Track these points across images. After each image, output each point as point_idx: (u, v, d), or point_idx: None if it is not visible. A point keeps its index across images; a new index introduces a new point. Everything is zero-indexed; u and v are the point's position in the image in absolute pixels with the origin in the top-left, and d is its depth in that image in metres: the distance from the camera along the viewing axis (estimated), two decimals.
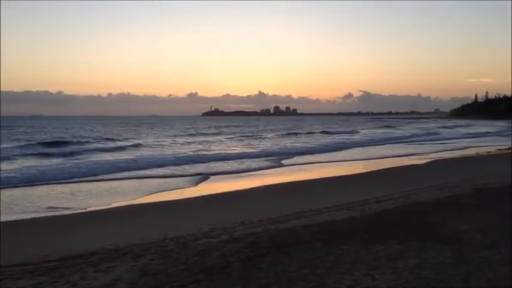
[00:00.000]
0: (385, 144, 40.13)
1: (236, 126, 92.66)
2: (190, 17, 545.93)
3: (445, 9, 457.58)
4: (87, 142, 38.89)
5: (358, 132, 60.05)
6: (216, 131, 67.24)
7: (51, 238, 8.73)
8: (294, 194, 13.93)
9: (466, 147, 33.88)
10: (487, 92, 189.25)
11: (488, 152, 30.20)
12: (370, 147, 36.02)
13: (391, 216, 9.19)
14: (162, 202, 12.92)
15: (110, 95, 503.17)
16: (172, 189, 15.17)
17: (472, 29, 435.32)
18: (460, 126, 78.43)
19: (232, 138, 47.71)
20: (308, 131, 65.01)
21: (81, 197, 13.80)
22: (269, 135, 53.18)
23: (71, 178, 17.31)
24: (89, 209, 11.92)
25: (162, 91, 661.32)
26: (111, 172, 19.09)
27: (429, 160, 24.24)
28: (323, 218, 9.36)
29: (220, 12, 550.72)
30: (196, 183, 16.71)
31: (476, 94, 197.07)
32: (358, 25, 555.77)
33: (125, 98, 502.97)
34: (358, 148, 35.04)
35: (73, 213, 11.43)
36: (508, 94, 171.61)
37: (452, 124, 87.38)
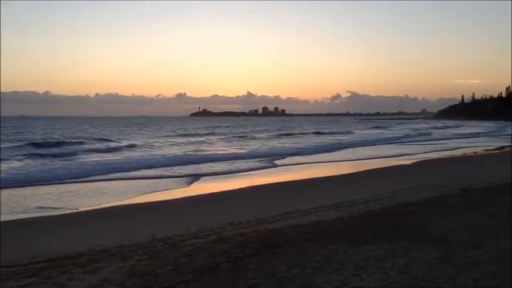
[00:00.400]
0: (382, 144, 40.52)
1: (227, 126, 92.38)
2: (179, 18, 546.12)
3: (432, 11, 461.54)
4: (80, 143, 38.45)
5: (352, 133, 60.28)
6: (208, 132, 66.54)
7: (39, 239, 8.65)
8: (283, 194, 13.94)
9: (457, 148, 34.35)
10: (473, 93, 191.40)
11: (475, 153, 30.52)
12: (366, 148, 36.33)
13: (379, 217, 9.24)
14: (151, 203, 12.85)
15: (97, 95, 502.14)
16: (162, 190, 15.10)
17: (458, 31, 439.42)
18: (450, 127, 79.27)
19: (225, 138, 47.18)
20: (300, 131, 64.86)
21: (68, 197, 13.67)
22: (263, 136, 52.87)
23: (62, 179, 17.12)
24: (76, 210, 11.83)
25: (150, 91, 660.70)
26: (103, 173, 18.89)
27: (416, 160, 24.40)
28: (311, 218, 9.38)
29: (209, 13, 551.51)
30: (186, 184, 16.62)
31: (463, 95, 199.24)
32: (347, 26, 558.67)
33: (113, 99, 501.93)
34: (355, 148, 35.47)
35: (61, 214, 11.33)
36: (495, 95, 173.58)
37: (442, 125, 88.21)
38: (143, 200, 13.25)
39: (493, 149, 33.35)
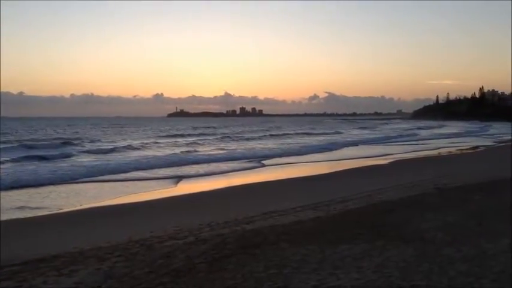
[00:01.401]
0: (375, 143, 41.68)
1: (214, 127, 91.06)
2: (156, 18, 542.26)
3: (407, 12, 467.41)
4: (70, 144, 37.90)
5: (342, 133, 60.98)
6: (196, 132, 65.42)
7: (14, 242, 8.50)
8: (262, 194, 13.96)
9: (446, 147, 35.58)
10: (448, 93, 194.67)
11: (450, 152, 31.03)
12: (363, 147, 37.45)
13: (356, 216, 9.32)
14: (128, 204, 12.74)
15: (73, 95, 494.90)
16: (140, 192, 15.00)
17: (432, 32, 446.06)
18: (433, 127, 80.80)
19: (217, 139, 46.44)
20: (288, 132, 64.66)
21: (47, 200, 13.51)
22: (254, 136, 52.81)
23: (50, 181, 16.89)
24: (52, 212, 11.68)
25: (126, 92, 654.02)
26: (93, 175, 18.71)
27: (392, 160, 24.70)
28: (289, 218, 9.41)
29: (186, 13, 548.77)
30: (167, 185, 16.57)
31: (437, 96, 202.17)
32: (324, 27, 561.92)
33: (89, 99, 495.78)
34: (350, 147, 36.54)
35: (36, 216, 11.16)
36: (469, 96, 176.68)
37: (424, 125, 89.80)
38: (121, 202, 13.13)
39: (467, 149, 33.97)
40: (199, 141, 42.94)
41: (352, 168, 21.00)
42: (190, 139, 47.78)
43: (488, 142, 41.79)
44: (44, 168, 20.07)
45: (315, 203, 11.07)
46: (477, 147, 35.37)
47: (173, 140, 47.60)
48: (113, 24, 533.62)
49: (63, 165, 21.96)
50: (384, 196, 11.79)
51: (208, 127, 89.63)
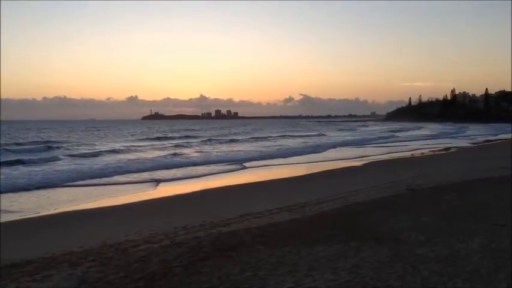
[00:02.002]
0: (362, 145, 42.01)
1: (198, 129, 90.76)
2: (130, 19, 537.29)
3: (379, 14, 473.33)
4: (52, 148, 37.30)
5: (325, 135, 61.73)
6: (179, 135, 64.82)
7: None
8: (238, 197, 13.96)
9: (425, 148, 36.35)
10: (420, 95, 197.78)
11: (423, 153, 31.49)
12: (350, 149, 37.84)
13: (331, 217, 9.38)
14: (103, 208, 12.60)
15: (45, 98, 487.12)
16: (117, 195, 14.84)
17: (405, 33, 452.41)
18: (412, 129, 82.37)
19: (200, 142, 46.03)
20: (270, 134, 64.64)
21: (21, 204, 13.32)
22: (240, 138, 52.79)
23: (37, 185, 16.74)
24: (25, 217, 11.47)
25: (100, 94, 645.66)
26: (76, 179, 18.51)
27: (366, 162, 24.96)
28: (265, 220, 9.43)
29: (161, 14, 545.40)
30: (146, 188, 16.47)
31: (410, 98, 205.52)
32: (300, 30, 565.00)
33: (61, 102, 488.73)
34: (337, 148, 37.64)
35: (8, 221, 10.95)
36: (441, 98, 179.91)
37: (401, 127, 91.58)
38: (95, 206, 12.98)
39: (440, 150, 34.55)
40: (183, 144, 42.67)
41: (328, 170, 21.14)
42: (173, 142, 47.48)
43: (464, 143, 42.97)
44: (32, 173, 19.90)
45: (290, 205, 11.11)
46: (449, 148, 35.99)
47: (157, 142, 47.44)
48: (86, 26, 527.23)
49: (48, 169, 21.72)
50: (358, 197, 11.90)
51: (188, 129, 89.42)
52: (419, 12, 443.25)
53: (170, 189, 16.37)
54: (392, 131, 71.31)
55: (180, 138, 57.05)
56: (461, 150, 34.66)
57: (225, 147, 38.99)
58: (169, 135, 66.55)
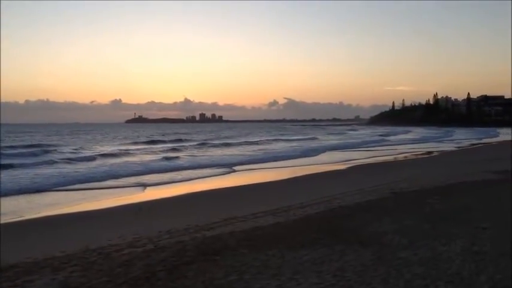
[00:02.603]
0: (355, 149, 42.13)
1: (187, 133, 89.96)
2: (114, 21, 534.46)
3: (363, 19, 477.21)
4: (47, 152, 36.32)
5: (317, 139, 62.15)
6: (170, 139, 63.22)
7: None
8: (223, 200, 13.94)
9: (415, 152, 37.09)
10: (403, 100, 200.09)
11: (406, 157, 31.81)
12: (344, 152, 38.22)
13: (315, 221, 9.41)
14: (86, 212, 12.48)
15: (27, 101, 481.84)
16: (100, 200, 14.70)
17: (388, 37, 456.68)
18: (400, 133, 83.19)
19: (194, 146, 45.05)
20: (261, 138, 63.88)
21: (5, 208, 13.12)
22: (231, 142, 52.00)
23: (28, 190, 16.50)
24: (5, 221, 11.30)
25: (83, 98, 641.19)
26: (73, 183, 18.36)
27: (351, 165, 25.10)
28: (249, 224, 9.42)
29: (144, 16, 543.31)
30: (131, 193, 16.32)
31: (393, 102, 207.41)
32: (284, 33, 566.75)
33: (44, 105, 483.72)
34: (332, 152, 38.00)
35: None
36: (423, 102, 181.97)
37: (389, 131, 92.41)
38: (78, 210, 12.85)
39: (422, 154, 34.92)
40: (178, 148, 42.04)
41: (313, 174, 21.22)
42: (165, 145, 46.76)
43: (451, 147, 44.09)
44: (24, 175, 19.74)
45: (274, 208, 11.11)
46: (432, 152, 36.37)
47: (152, 146, 46.78)
48: (69, 28, 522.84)
49: (43, 172, 21.51)
50: (343, 201, 11.95)
51: (177, 133, 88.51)
52: (403, 17, 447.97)
53: (156, 193, 16.27)
54: (382, 135, 71.84)
55: (172, 142, 56.08)
56: (444, 154, 35.03)
57: (219, 151, 38.64)
58: (160, 138, 65.36)
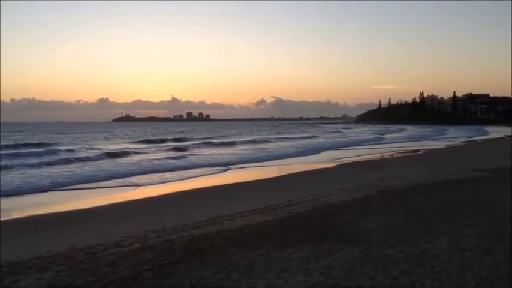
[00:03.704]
0: (356, 146, 42.96)
1: (181, 132, 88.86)
2: (101, 20, 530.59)
3: (350, 18, 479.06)
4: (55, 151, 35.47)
5: (318, 137, 62.81)
6: (178, 137, 62.68)
7: None
8: (211, 199, 13.91)
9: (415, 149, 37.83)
10: (390, 98, 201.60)
11: (392, 155, 32.04)
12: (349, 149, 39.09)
13: (303, 219, 9.43)
14: (72, 212, 12.37)
15: (12, 100, 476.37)
16: (88, 199, 14.59)
17: (375, 37, 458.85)
18: (396, 131, 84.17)
19: (198, 145, 44.19)
20: (263, 137, 63.12)
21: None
22: (233, 141, 51.12)
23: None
24: None
25: (70, 96, 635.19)
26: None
27: (337, 164, 25.20)
28: (237, 223, 9.41)
29: (132, 15, 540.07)
30: (121, 192, 16.20)
31: (380, 100, 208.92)
32: (271, 32, 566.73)
33: (30, 104, 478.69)
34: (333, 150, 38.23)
35: None
36: (409, 100, 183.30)
37: (384, 129, 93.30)
38: (65, 209, 12.74)
39: (408, 152, 35.17)
40: (180, 146, 41.53)
41: (301, 172, 21.25)
42: (165, 144, 46.31)
43: (446, 144, 45.71)
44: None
45: (262, 207, 11.12)
46: (418, 150, 36.63)
47: (152, 145, 46.20)
48: (55, 27, 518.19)
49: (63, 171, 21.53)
50: (330, 199, 11.99)
51: (170, 132, 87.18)
52: (389, 17, 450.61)
53: (146, 191, 16.19)
54: (378, 133, 72.29)
55: (173, 140, 55.06)
56: (430, 151, 35.28)
57: (230, 150, 38.36)
58: (163, 137, 63.97)
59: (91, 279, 5.96)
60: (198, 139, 56.89)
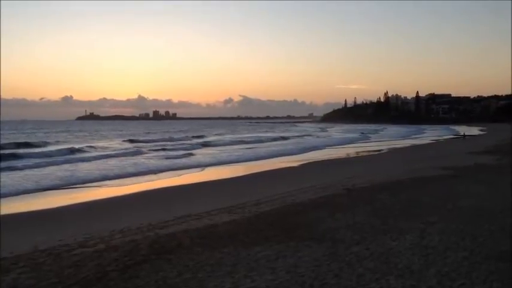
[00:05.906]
0: (352, 146, 43.71)
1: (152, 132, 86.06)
2: (65, 18, 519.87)
3: (318, 17, 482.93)
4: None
5: (311, 136, 64.15)
6: (155, 138, 59.66)
7: None
8: (176, 199, 13.81)
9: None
10: (355, 98, 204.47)
11: (357, 153, 32.50)
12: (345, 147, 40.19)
13: (270, 218, 9.45)
14: (36, 212, 12.10)
15: None
16: (54, 199, 14.27)
17: (340, 36, 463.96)
18: (380, 130, 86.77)
19: (192, 145, 42.24)
20: (258, 136, 62.99)
21: None
22: (220, 141, 50.05)
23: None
24: None
25: (32, 94, 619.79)
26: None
27: (303, 162, 25.39)
28: (204, 222, 9.37)
29: (96, 13, 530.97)
30: (89, 192, 15.98)
31: (345, 100, 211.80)
32: (238, 30, 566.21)
33: None
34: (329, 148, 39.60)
35: None
36: (374, 100, 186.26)
37: (369, 128, 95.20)
38: (27, 209, 12.44)
39: (374, 150, 35.71)
40: (174, 147, 40.21)
41: (268, 171, 21.34)
42: (156, 144, 44.72)
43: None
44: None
45: (229, 205, 11.11)
46: (382, 149, 37.24)
47: (141, 145, 44.38)
48: (18, 23, 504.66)
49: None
50: (297, 198, 12.05)
51: (150, 132, 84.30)
52: (354, 18, 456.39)
53: (113, 191, 15.96)
54: (363, 133, 73.27)
55: (161, 140, 52.71)
56: (396, 150, 35.91)
57: (228, 151, 36.89)
58: (149, 138, 60.75)
59: (54, 281, 5.83)
60: (185, 140, 54.48)
